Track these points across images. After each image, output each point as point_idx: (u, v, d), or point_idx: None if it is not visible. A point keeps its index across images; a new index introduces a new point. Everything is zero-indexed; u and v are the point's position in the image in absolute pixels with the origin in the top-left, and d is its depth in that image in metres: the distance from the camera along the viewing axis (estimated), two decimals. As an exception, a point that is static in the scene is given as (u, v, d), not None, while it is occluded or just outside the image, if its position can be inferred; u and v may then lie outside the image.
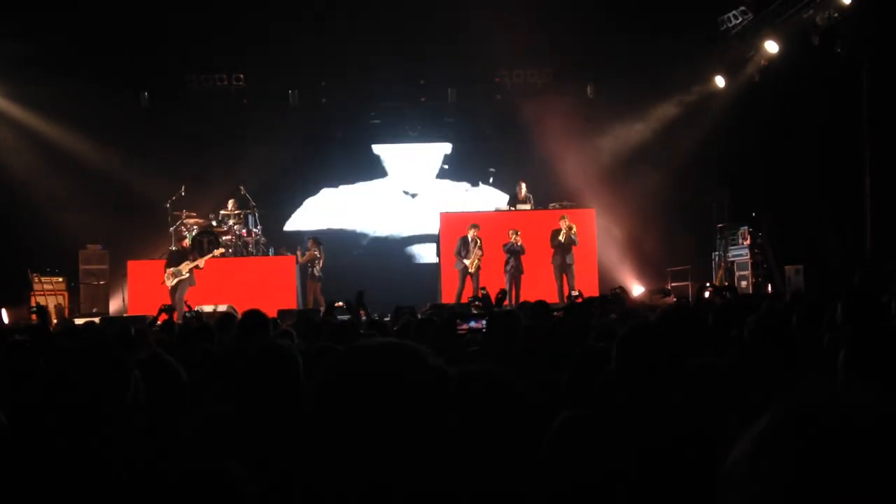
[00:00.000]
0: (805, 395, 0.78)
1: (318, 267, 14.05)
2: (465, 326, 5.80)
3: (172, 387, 2.80)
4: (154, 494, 1.27)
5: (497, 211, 14.82)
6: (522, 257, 13.38)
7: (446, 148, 16.42)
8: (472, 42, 14.22)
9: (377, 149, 17.39)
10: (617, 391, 1.89)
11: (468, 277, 13.23)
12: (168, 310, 6.75)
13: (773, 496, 0.72)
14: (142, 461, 1.97)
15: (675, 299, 10.48)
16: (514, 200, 14.74)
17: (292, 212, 16.66)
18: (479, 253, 13.22)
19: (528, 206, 14.73)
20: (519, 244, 13.32)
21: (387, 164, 17.44)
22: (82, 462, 1.77)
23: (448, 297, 13.54)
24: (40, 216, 13.98)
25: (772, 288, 12.87)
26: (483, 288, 7.97)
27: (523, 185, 14.77)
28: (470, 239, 13.31)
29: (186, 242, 13.40)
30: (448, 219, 14.75)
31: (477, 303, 9.72)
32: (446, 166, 16.48)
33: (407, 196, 17.26)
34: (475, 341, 4.71)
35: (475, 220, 13.80)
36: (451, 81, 15.96)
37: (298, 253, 14.08)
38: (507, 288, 13.16)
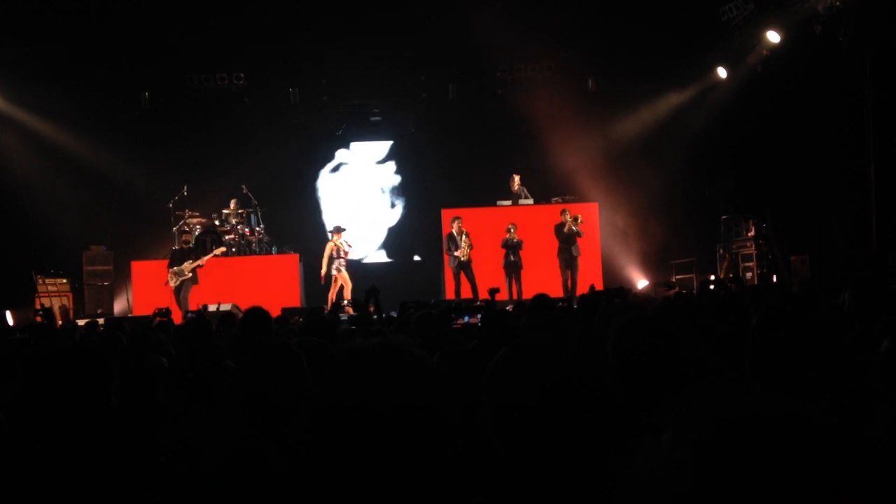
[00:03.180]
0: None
1: (342, 259, 13.33)
2: (460, 321, 5.80)
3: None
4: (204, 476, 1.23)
5: (498, 206, 14.77)
6: (523, 252, 13.38)
7: (447, 143, 16.36)
8: (472, 37, 14.18)
9: (378, 145, 17.37)
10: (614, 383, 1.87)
11: (462, 273, 13.25)
12: (165, 313, 6.71)
13: None
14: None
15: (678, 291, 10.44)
16: (510, 195, 14.72)
17: (294, 209, 16.64)
18: (468, 242, 13.23)
19: (530, 201, 14.70)
20: (515, 239, 13.34)
21: (388, 160, 17.41)
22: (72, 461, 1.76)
23: (451, 293, 13.54)
24: (43, 218, 13.99)
25: (777, 279, 12.80)
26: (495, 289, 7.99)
27: (516, 178, 14.77)
28: (456, 233, 13.35)
29: (189, 237, 13.36)
30: (450, 214, 14.70)
31: (479, 303, 9.74)
32: (447, 161, 16.43)
33: (409, 191, 17.23)
34: (473, 335, 4.69)
35: (469, 214, 13.83)
36: (451, 77, 15.92)
37: (331, 244, 13.40)
38: (506, 282, 13.20)
